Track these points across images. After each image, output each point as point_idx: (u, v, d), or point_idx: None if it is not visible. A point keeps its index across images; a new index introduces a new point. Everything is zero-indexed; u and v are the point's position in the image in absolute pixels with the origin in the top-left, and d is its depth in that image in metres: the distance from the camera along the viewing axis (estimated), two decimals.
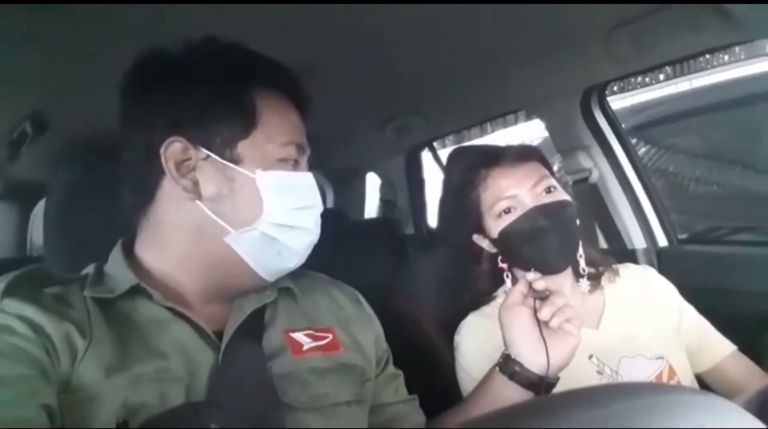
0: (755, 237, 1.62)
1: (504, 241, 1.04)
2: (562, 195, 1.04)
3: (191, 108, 0.72)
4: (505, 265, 1.07)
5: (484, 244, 1.09)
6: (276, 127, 0.75)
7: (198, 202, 0.73)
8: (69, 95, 1.32)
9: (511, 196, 1.03)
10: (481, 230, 1.09)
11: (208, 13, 0.98)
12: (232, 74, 0.74)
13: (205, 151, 0.72)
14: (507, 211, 1.03)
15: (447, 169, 1.50)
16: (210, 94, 0.73)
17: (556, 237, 1.00)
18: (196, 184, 0.72)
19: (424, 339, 1.15)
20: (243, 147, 0.73)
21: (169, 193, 0.74)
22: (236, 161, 0.72)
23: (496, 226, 1.05)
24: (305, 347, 0.79)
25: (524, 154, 1.08)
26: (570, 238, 1.04)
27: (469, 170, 1.10)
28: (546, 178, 1.04)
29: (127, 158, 0.76)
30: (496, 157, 1.07)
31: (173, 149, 0.72)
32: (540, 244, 1.00)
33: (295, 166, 0.77)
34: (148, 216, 0.77)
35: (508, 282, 1.07)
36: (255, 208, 0.72)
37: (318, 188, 0.81)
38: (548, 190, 1.03)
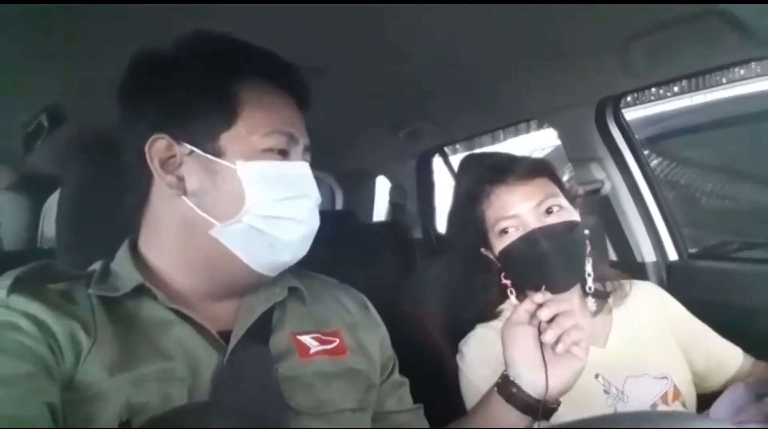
0: (766, 253, 1.60)
1: (504, 259, 1.03)
2: (568, 215, 1.02)
3: (173, 105, 0.73)
4: (508, 282, 1.03)
5: (491, 255, 1.08)
6: (260, 117, 0.74)
7: (184, 197, 0.73)
8: (85, 89, 1.33)
9: (513, 216, 1.01)
10: (487, 245, 1.08)
11: (223, 14, 0.99)
12: (215, 68, 0.74)
13: (189, 147, 0.73)
14: (507, 230, 1.02)
15: (457, 177, 1.49)
16: (190, 90, 0.73)
17: (557, 259, 0.98)
18: (181, 179, 0.73)
19: (430, 347, 1.14)
20: (225, 139, 0.73)
21: (160, 191, 0.75)
22: (218, 154, 0.72)
23: (497, 244, 1.04)
24: (312, 350, 0.79)
25: (533, 170, 1.05)
26: (573, 260, 1.01)
27: (475, 184, 1.07)
28: (551, 197, 1.02)
29: (124, 160, 0.78)
30: (503, 171, 1.05)
31: (157, 147, 0.73)
32: (539, 265, 0.98)
33: (285, 156, 0.76)
34: (146, 215, 0.78)
35: (512, 298, 1.00)
36: (237, 200, 0.72)
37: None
38: (553, 210, 1.01)
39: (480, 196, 1.06)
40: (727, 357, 1.06)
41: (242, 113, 0.74)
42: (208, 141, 0.73)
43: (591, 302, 1.05)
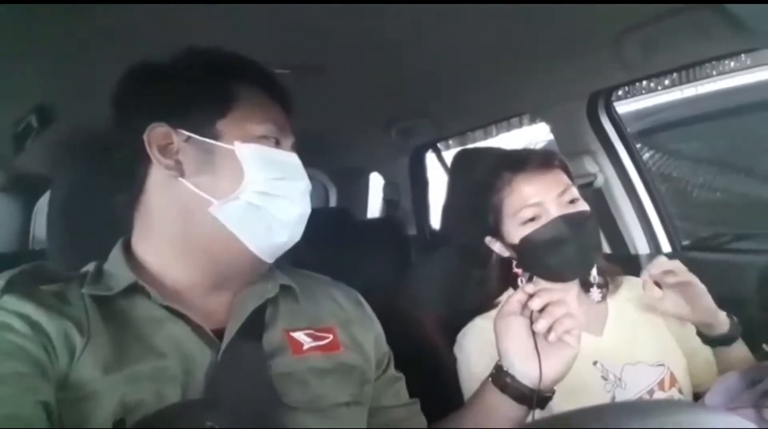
0: (758, 244, 1.62)
1: (525, 248, 1.03)
2: (584, 205, 1.04)
3: (170, 99, 0.76)
4: (519, 271, 1.04)
5: (496, 247, 1.08)
6: (252, 108, 0.78)
7: (181, 179, 0.74)
8: (75, 89, 1.32)
9: (537, 204, 1.01)
10: (497, 234, 1.07)
11: (221, 13, 0.99)
12: (207, 70, 0.77)
13: (186, 133, 0.75)
14: (532, 218, 1.02)
15: (456, 170, 1.50)
16: (186, 86, 0.77)
17: (578, 247, 1.00)
18: (179, 163, 0.75)
19: (426, 342, 1.14)
20: (221, 125, 0.76)
21: (157, 179, 0.77)
22: (215, 137, 0.75)
23: (518, 232, 1.03)
24: (305, 347, 0.79)
25: (550, 161, 1.06)
26: (590, 249, 1.03)
27: (491, 173, 1.07)
28: (570, 188, 1.04)
29: (117, 157, 0.80)
30: (521, 161, 1.05)
31: (155, 134, 0.75)
32: (561, 253, 0.99)
33: (277, 145, 0.79)
34: (140, 209, 0.79)
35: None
36: (236, 178, 0.74)
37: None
38: (572, 201, 1.03)
39: (498, 184, 1.05)
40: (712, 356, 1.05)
41: (235, 105, 0.77)
42: (204, 127, 0.75)
43: (596, 292, 1.06)
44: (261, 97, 0.80)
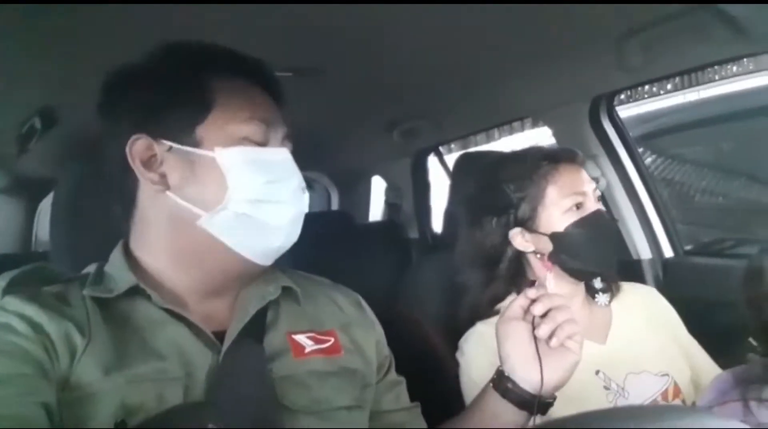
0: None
1: (568, 235, 1.01)
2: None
3: (146, 105, 0.74)
4: (549, 265, 1.01)
5: (517, 240, 1.05)
6: (235, 106, 0.74)
7: (168, 192, 0.73)
8: (78, 91, 1.32)
9: (582, 193, 1.02)
10: (528, 226, 1.04)
11: (218, 14, 0.99)
12: (182, 68, 0.75)
13: (167, 143, 0.73)
14: (576, 207, 1.01)
15: (461, 172, 1.50)
16: (162, 89, 0.74)
17: (612, 243, 1.04)
18: (163, 176, 0.73)
19: (427, 345, 1.14)
20: (201, 130, 0.73)
21: (146, 192, 0.76)
22: (196, 145, 0.73)
23: (560, 220, 1.01)
24: (307, 350, 0.78)
25: (577, 156, 1.07)
26: (616, 247, 1.07)
27: (529, 163, 1.05)
28: (596, 187, 1.06)
29: (107, 170, 0.78)
30: (557, 153, 1.07)
31: (137, 147, 0.73)
32: (600, 246, 1.01)
33: (265, 142, 0.76)
34: (135, 219, 0.78)
35: (549, 281, 0.94)
36: (220, 188, 0.72)
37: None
38: (598, 198, 1.05)
39: (540, 172, 1.04)
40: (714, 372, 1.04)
41: (216, 104, 0.74)
42: (184, 134, 0.73)
43: (603, 297, 1.08)
44: (244, 90, 0.77)
